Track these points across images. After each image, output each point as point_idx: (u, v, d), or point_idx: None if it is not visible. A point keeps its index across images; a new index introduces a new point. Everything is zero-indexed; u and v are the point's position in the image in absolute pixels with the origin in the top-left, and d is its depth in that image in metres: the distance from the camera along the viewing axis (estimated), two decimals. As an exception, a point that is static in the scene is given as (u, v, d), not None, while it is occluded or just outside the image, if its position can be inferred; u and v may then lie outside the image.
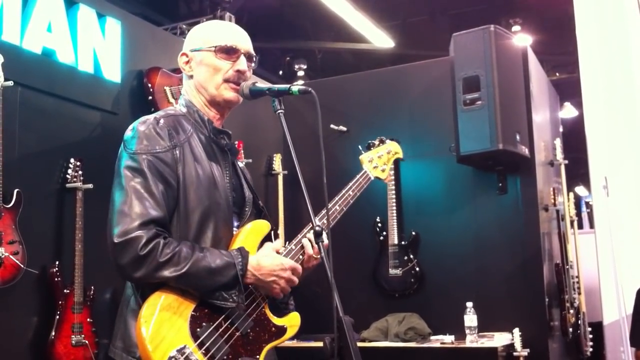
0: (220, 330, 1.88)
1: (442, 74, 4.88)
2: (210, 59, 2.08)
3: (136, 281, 1.86)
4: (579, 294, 5.28)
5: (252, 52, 2.14)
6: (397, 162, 5.02)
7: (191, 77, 2.12)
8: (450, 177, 4.97)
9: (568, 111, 10.18)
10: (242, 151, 4.80)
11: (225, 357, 1.86)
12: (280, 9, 8.42)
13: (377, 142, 2.60)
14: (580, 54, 5.32)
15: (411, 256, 4.94)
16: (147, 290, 1.86)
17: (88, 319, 3.53)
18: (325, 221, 2.11)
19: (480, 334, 4.37)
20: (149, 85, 4.15)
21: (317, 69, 9.64)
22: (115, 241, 1.80)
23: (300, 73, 9.44)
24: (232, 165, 2.13)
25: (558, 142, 5.41)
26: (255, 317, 1.96)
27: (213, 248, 1.93)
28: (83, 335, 3.46)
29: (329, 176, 1.85)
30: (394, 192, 4.97)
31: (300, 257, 2.08)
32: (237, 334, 1.91)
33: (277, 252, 2.04)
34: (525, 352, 4.27)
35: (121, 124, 3.91)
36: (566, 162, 5.36)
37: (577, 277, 5.33)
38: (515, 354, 4.26)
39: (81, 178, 3.62)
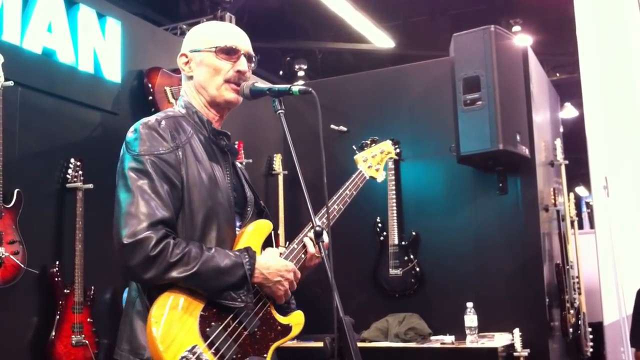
0: (229, 329, 1.89)
1: (442, 74, 4.88)
2: (211, 59, 2.08)
3: (145, 282, 1.85)
4: (579, 294, 5.28)
5: (252, 52, 2.14)
6: (397, 163, 5.04)
7: (191, 77, 2.12)
8: (451, 177, 4.98)
9: (568, 111, 10.18)
10: (242, 151, 4.81)
11: (234, 357, 1.88)
12: (280, 9, 8.42)
13: (369, 142, 2.61)
14: (581, 54, 5.33)
15: (411, 256, 4.94)
16: (154, 291, 1.86)
17: (88, 319, 3.53)
18: (325, 220, 2.12)
19: (481, 334, 4.37)
20: (149, 85, 4.16)
21: (317, 69, 9.64)
22: (125, 242, 1.78)
23: (301, 73, 9.44)
24: (232, 166, 2.13)
25: (558, 143, 5.41)
26: (262, 316, 1.97)
27: (219, 248, 1.94)
28: (83, 335, 3.47)
29: (329, 176, 1.85)
30: (394, 192, 4.97)
31: (302, 256, 2.09)
32: (245, 333, 1.92)
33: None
34: (525, 353, 4.27)
35: (121, 124, 3.92)
36: (566, 162, 5.37)
37: (578, 277, 5.33)
38: (515, 354, 4.26)
39: (81, 178, 3.62)
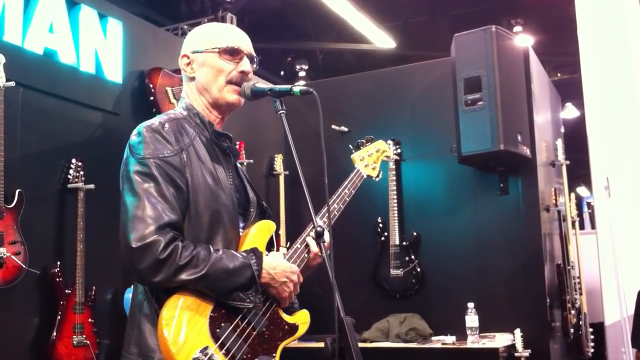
0: (239, 330, 1.89)
1: (443, 75, 4.88)
2: (214, 60, 2.07)
3: (154, 285, 1.84)
4: (580, 294, 5.28)
5: (254, 53, 2.15)
6: (398, 163, 5.05)
7: (192, 79, 2.11)
8: (452, 177, 4.98)
9: (569, 112, 10.17)
10: (243, 151, 4.81)
11: (244, 357, 1.88)
12: (281, 10, 8.42)
13: (365, 141, 2.63)
14: (582, 54, 5.33)
15: (412, 257, 4.94)
16: (162, 294, 1.86)
17: (89, 319, 3.53)
18: (325, 220, 2.12)
19: (482, 334, 4.37)
20: (151, 85, 4.16)
21: (318, 69, 9.64)
22: (133, 246, 1.78)
23: (302, 73, 9.44)
24: (234, 167, 2.13)
25: (559, 143, 5.41)
26: (269, 316, 1.98)
27: (226, 249, 1.94)
28: (84, 336, 3.47)
29: (329, 177, 1.85)
30: (395, 192, 4.98)
31: (306, 255, 2.10)
32: (254, 333, 1.93)
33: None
34: (526, 353, 4.27)
35: (122, 124, 3.93)
36: (567, 162, 5.36)
37: (579, 277, 5.33)
38: (516, 354, 4.26)
39: (82, 178, 3.63)
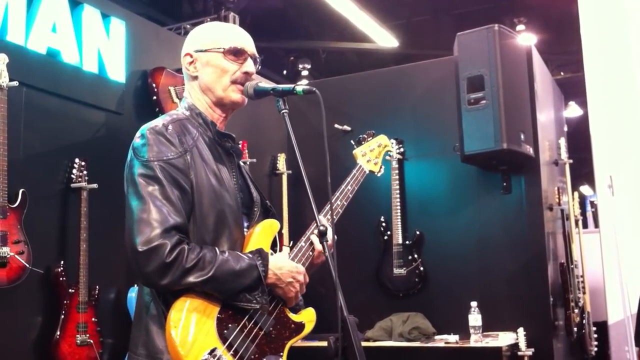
0: (246, 330, 1.90)
1: (446, 74, 4.88)
2: (219, 60, 2.07)
3: (161, 288, 1.85)
4: (584, 293, 5.27)
5: (257, 54, 2.15)
6: (401, 162, 5.05)
7: (195, 78, 2.11)
8: (455, 176, 4.97)
9: (573, 110, 10.16)
10: (246, 151, 4.82)
11: (252, 357, 1.89)
12: (284, 9, 8.42)
13: (367, 136, 2.62)
14: (585, 53, 5.32)
15: (415, 256, 4.94)
16: (169, 296, 1.86)
17: (93, 319, 3.53)
18: (329, 217, 2.13)
19: (485, 333, 4.37)
20: (154, 85, 4.16)
21: (321, 68, 9.64)
22: (140, 250, 1.78)
23: (304, 73, 9.44)
24: (237, 167, 2.13)
25: (562, 142, 5.40)
26: (276, 316, 1.99)
27: (232, 251, 1.94)
28: (88, 335, 3.48)
29: (332, 176, 1.85)
30: (398, 191, 4.98)
31: (310, 253, 2.11)
32: (261, 333, 1.93)
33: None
34: (529, 352, 4.27)
35: (125, 124, 3.93)
36: (571, 161, 5.36)
37: (582, 276, 5.32)
38: (519, 353, 4.26)
39: (86, 178, 3.63)
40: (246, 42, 2.11)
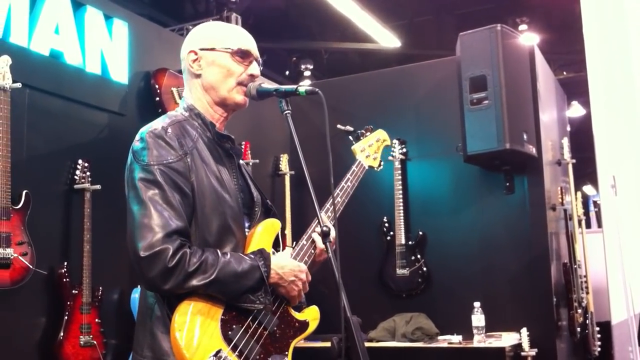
0: (250, 331, 1.90)
1: (448, 74, 4.88)
2: (226, 60, 2.06)
3: (165, 292, 1.85)
4: (587, 293, 5.26)
5: (259, 57, 2.15)
6: (403, 163, 5.04)
7: (198, 76, 2.10)
8: (457, 177, 4.97)
9: (575, 110, 10.15)
10: (249, 152, 4.82)
11: (257, 357, 1.89)
12: (286, 10, 8.43)
13: (365, 131, 2.61)
14: (587, 52, 5.31)
15: (418, 256, 4.94)
16: (173, 298, 1.87)
17: (96, 320, 3.54)
18: (329, 214, 2.13)
19: (488, 333, 4.37)
20: (156, 86, 4.17)
21: (323, 69, 9.65)
22: (142, 255, 1.78)
23: (307, 73, 9.44)
24: (237, 167, 2.13)
25: (565, 142, 5.39)
26: (280, 315, 1.99)
27: (233, 252, 1.94)
28: (91, 336, 3.48)
29: (335, 176, 1.85)
30: (400, 192, 4.97)
31: (312, 251, 2.11)
32: (265, 333, 1.94)
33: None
34: (533, 352, 4.27)
35: (128, 125, 3.94)
36: (574, 161, 5.35)
37: (585, 276, 5.31)
38: (523, 353, 4.26)
39: (89, 179, 3.64)
40: (252, 44, 2.12)
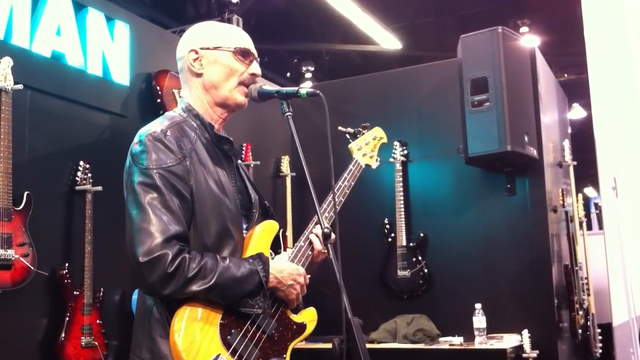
0: (249, 335, 1.91)
1: (450, 76, 4.88)
2: (228, 59, 2.06)
3: (164, 297, 1.85)
4: (588, 295, 5.26)
5: (258, 57, 2.15)
6: (405, 164, 5.04)
7: (198, 75, 2.08)
8: (459, 178, 4.97)
9: (576, 112, 10.14)
10: (250, 153, 4.82)
11: None
12: (287, 11, 8.43)
13: (362, 129, 2.59)
14: (588, 54, 5.31)
15: (419, 257, 4.94)
16: (172, 301, 1.87)
17: (97, 321, 3.54)
18: (327, 215, 2.13)
19: (489, 335, 4.37)
20: (158, 87, 4.17)
21: (324, 70, 9.65)
22: (141, 260, 1.78)
23: (308, 75, 9.45)
24: (236, 168, 2.13)
25: (567, 143, 5.39)
26: (278, 318, 2.00)
27: (232, 256, 1.94)
28: (93, 337, 3.48)
29: (336, 178, 1.85)
30: (402, 193, 4.97)
31: (310, 253, 2.11)
32: (264, 336, 1.94)
33: None
34: (534, 354, 4.26)
35: (130, 126, 3.93)
36: (575, 163, 5.35)
37: (586, 278, 5.31)
38: (524, 355, 4.25)
39: (90, 180, 3.64)
40: (251, 43, 2.13)
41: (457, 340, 4.43)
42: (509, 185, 4.80)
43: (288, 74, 9.68)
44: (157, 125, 1.98)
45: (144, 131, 1.96)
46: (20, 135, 3.35)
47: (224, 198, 1.98)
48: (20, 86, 3.24)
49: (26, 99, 3.45)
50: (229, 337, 1.86)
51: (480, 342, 4.27)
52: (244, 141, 4.81)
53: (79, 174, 3.64)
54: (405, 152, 5.06)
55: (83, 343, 3.44)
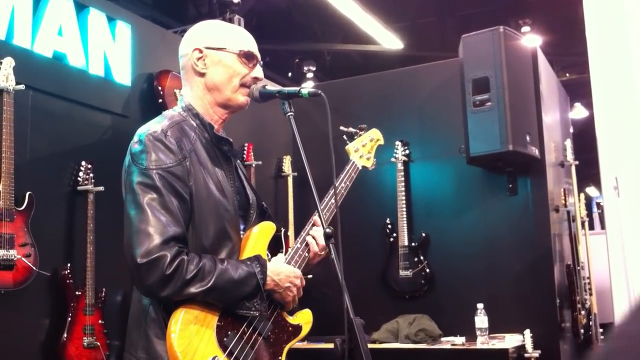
0: (245, 337, 1.91)
1: (451, 76, 4.88)
2: (233, 61, 2.06)
3: (162, 299, 1.85)
4: (590, 295, 5.26)
5: (261, 60, 2.16)
6: (406, 164, 5.04)
7: (201, 74, 2.08)
8: (460, 178, 4.97)
9: (578, 112, 10.14)
10: (252, 153, 4.82)
11: None
12: (288, 11, 8.43)
13: (359, 130, 2.59)
14: (590, 54, 5.30)
15: (421, 257, 4.93)
16: (169, 301, 1.87)
17: (100, 321, 3.54)
18: (324, 215, 2.11)
19: (491, 335, 4.36)
20: (159, 88, 4.17)
21: (326, 70, 9.65)
22: (139, 262, 1.78)
23: (309, 75, 9.44)
24: (234, 169, 2.13)
25: (568, 143, 5.39)
26: (274, 320, 2.00)
27: (229, 258, 1.95)
28: (95, 337, 3.48)
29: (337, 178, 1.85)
30: (403, 193, 4.97)
31: (306, 254, 2.12)
32: (260, 338, 1.95)
33: None
34: (536, 354, 4.26)
35: (131, 126, 3.91)
36: (577, 162, 5.35)
37: (588, 278, 5.31)
38: (526, 355, 4.25)
39: (92, 181, 3.64)
40: (255, 47, 2.12)
41: (459, 340, 4.43)
42: (510, 185, 4.80)
43: (289, 74, 9.68)
44: (157, 125, 1.97)
45: (144, 130, 1.96)
46: (22, 135, 3.35)
47: (222, 199, 1.97)
48: (22, 86, 3.24)
49: (28, 99, 3.45)
50: (225, 339, 1.86)
51: (482, 342, 4.27)
52: (246, 141, 4.82)
53: (80, 174, 3.65)
54: (407, 152, 5.06)
55: (85, 343, 3.44)
